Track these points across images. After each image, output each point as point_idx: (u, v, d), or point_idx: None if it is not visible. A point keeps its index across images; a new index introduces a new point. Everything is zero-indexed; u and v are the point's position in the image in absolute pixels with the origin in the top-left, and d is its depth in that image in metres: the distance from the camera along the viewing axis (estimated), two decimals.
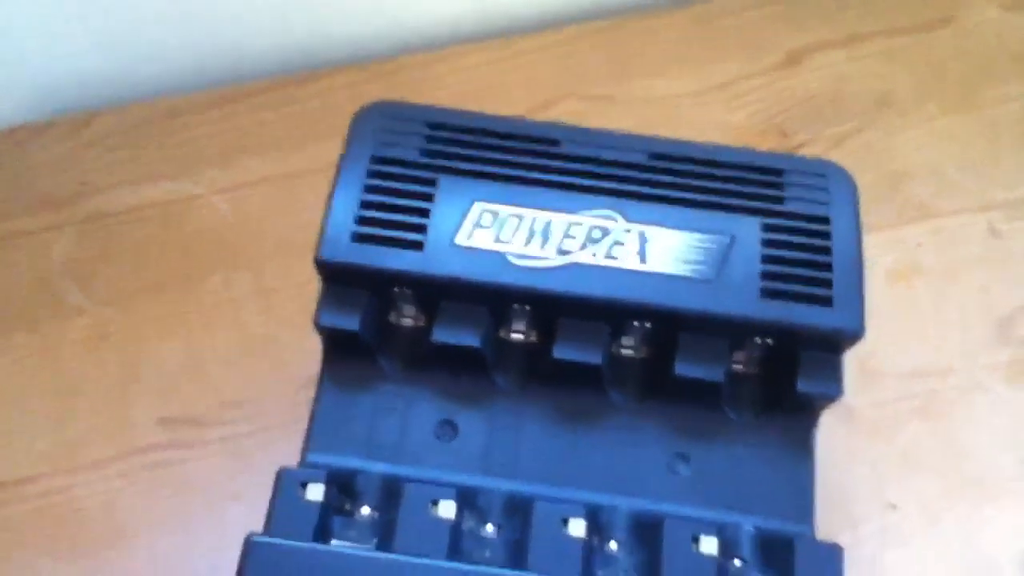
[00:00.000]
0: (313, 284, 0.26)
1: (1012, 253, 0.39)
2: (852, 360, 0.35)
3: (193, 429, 0.32)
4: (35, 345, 0.34)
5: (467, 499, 0.24)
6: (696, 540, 0.24)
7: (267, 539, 0.22)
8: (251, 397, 0.33)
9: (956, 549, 0.32)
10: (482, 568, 0.22)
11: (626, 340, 0.26)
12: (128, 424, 0.32)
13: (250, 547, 0.22)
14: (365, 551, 0.23)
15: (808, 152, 0.42)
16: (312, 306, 0.26)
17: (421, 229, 0.25)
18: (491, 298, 0.25)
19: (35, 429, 0.32)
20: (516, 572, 0.22)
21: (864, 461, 0.34)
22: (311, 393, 0.26)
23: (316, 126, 0.40)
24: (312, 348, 0.27)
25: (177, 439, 0.32)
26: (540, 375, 0.26)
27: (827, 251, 0.25)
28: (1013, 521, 0.33)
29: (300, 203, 0.37)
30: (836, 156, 0.42)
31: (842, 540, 0.31)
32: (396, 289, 0.25)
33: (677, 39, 0.46)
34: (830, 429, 0.34)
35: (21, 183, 0.38)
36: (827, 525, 0.31)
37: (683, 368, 0.25)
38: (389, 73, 0.42)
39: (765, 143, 0.43)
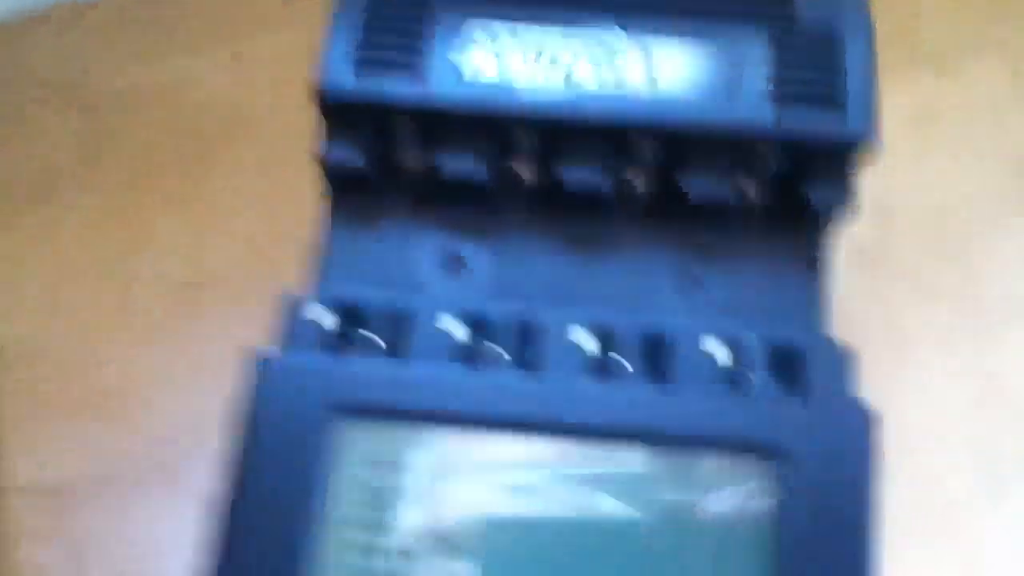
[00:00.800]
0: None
1: None
2: (869, 204, 0.36)
3: (199, 294, 0.32)
4: (39, 226, 0.34)
5: (475, 323, 0.24)
6: (704, 345, 0.23)
7: (274, 353, 0.22)
8: (258, 264, 0.33)
9: (973, 376, 0.32)
10: (490, 372, 0.23)
11: (633, 162, 0.25)
12: (135, 294, 0.32)
13: (256, 361, 0.22)
14: (374, 361, 0.23)
15: None
16: (311, 175, 0.26)
17: (418, 58, 0.24)
18: (495, 125, 0.25)
19: (41, 302, 0.32)
20: (522, 372, 0.23)
21: (878, 303, 0.33)
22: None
23: None
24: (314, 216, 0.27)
25: (184, 303, 0.32)
26: (547, 204, 0.26)
27: (839, 58, 0.25)
28: None
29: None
30: None
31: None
32: (398, 123, 0.25)
33: None
34: (844, 269, 0.34)
35: (23, 73, 0.37)
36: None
37: (693, 187, 0.25)
38: None
39: None
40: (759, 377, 0.24)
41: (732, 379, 0.23)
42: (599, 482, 0.22)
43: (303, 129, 0.35)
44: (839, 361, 0.23)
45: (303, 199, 0.34)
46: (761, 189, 0.26)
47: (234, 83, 0.37)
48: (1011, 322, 0.33)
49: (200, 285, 0.32)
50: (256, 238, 0.33)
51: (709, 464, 0.22)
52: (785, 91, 0.24)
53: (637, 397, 0.22)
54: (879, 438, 0.22)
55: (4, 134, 0.35)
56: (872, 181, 0.36)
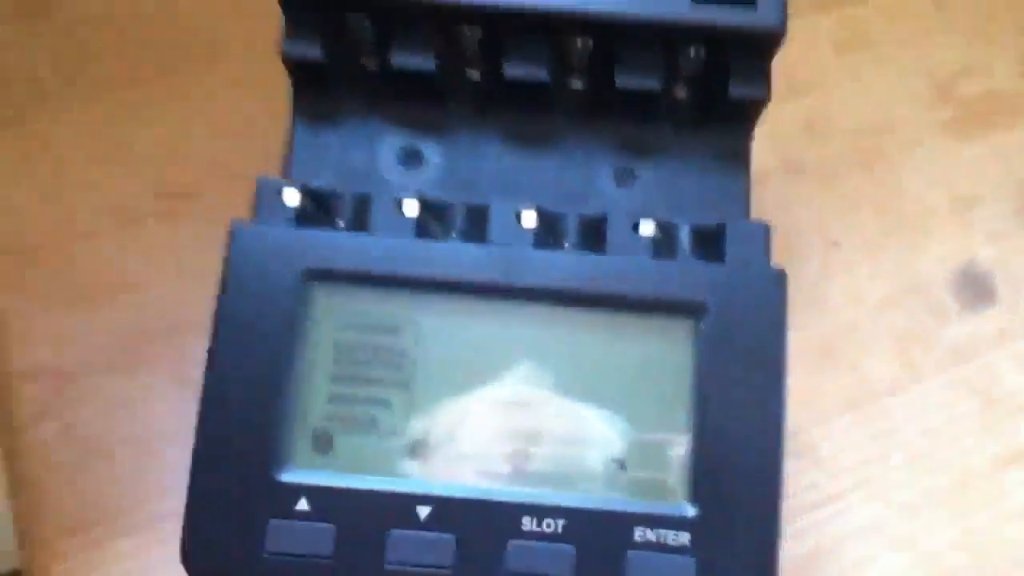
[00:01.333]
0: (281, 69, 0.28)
1: (954, 23, 0.41)
2: (801, 121, 0.38)
3: (184, 200, 0.34)
4: (24, 137, 0.36)
5: (431, 210, 0.27)
6: (636, 226, 0.26)
7: (249, 225, 0.25)
8: (237, 170, 0.35)
9: (892, 274, 0.35)
10: (443, 242, 0.25)
11: (570, 58, 0.28)
12: (122, 198, 0.34)
13: (233, 232, 0.24)
14: (341, 233, 0.25)
15: None
16: (281, 86, 0.28)
17: None
18: (441, 19, 0.27)
19: (31, 205, 0.34)
20: (475, 245, 0.25)
21: (811, 207, 0.36)
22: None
23: None
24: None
25: (169, 209, 0.34)
26: (493, 102, 0.28)
27: None
28: (942, 250, 0.35)
29: None
30: None
31: (788, 272, 0.34)
32: (352, 19, 0.27)
33: None
34: (779, 182, 0.37)
35: None
36: (774, 260, 0.34)
37: (623, 79, 0.27)
38: None
39: None
40: (684, 249, 0.26)
41: (659, 251, 0.26)
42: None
43: (270, 45, 0.37)
44: (754, 235, 0.26)
45: (273, 110, 0.37)
46: (686, 86, 0.28)
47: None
48: (926, 227, 0.36)
49: (183, 193, 0.34)
50: (232, 148, 0.35)
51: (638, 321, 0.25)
52: None
53: (574, 262, 0.25)
54: (785, 296, 0.25)
55: None
56: (807, 101, 0.39)
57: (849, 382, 0.33)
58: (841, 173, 0.37)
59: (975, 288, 0.35)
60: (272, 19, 0.29)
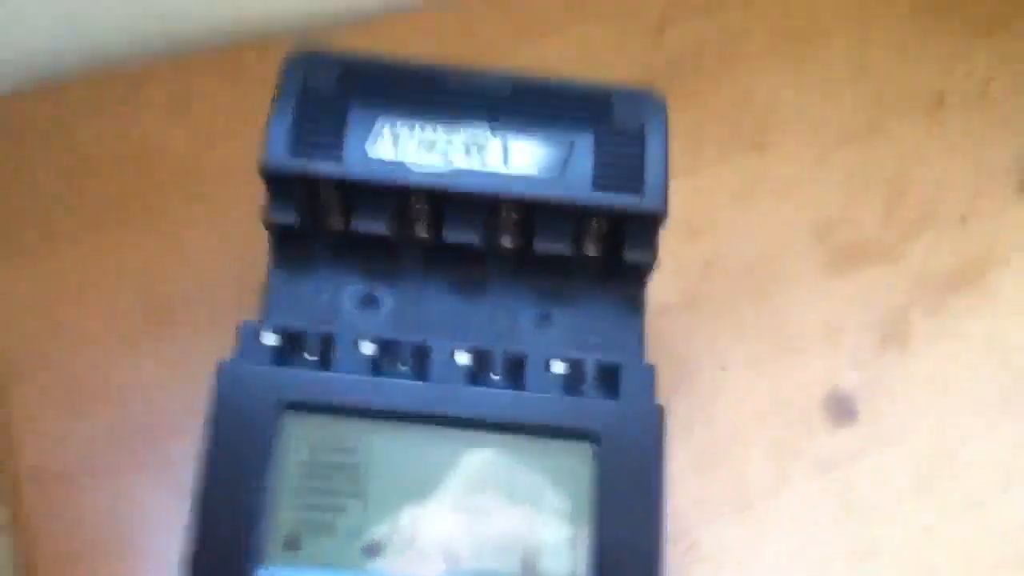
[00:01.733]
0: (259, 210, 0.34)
1: (831, 176, 0.49)
2: (700, 259, 0.45)
3: (168, 319, 0.40)
4: (29, 259, 0.41)
5: (384, 348, 0.33)
6: (549, 365, 0.32)
7: (233, 363, 0.30)
8: (215, 295, 0.41)
9: (770, 392, 0.41)
10: (396, 379, 0.31)
11: (500, 225, 0.34)
12: (113, 315, 0.40)
13: (220, 369, 0.30)
14: (309, 371, 0.31)
15: (671, 100, 0.51)
16: (258, 226, 0.35)
17: (339, 145, 0.33)
18: (394, 196, 0.33)
19: (42, 318, 0.40)
20: (418, 382, 0.31)
21: (703, 334, 0.43)
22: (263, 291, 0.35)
23: (255, 86, 0.48)
24: (261, 258, 0.35)
25: (156, 324, 0.40)
26: (438, 257, 0.35)
27: (641, 155, 0.34)
28: (817, 374, 0.42)
29: (248, 148, 0.45)
30: (694, 103, 0.51)
31: (681, 393, 0.41)
32: (323, 193, 0.34)
33: (558, 11, 0.54)
34: (678, 313, 0.44)
35: (11, 138, 0.45)
36: (671, 384, 0.41)
37: (540, 244, 0.34)
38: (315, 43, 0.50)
39: None
40: (588, 386, 0.33)
41: (568, 387, 0.32)
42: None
43: (243, 188, 0.43)
44: (643, 375, 0.32)
45: (245, 244, 0.43)
46: (594, 249, 0.35)
47: (185, 151, 0.45)
48: (803, 348, 0.43)
49: (167, 311, 0.40)
50: (211, 272, 0.41)
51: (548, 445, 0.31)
52: (602, 177, 0.33)
53: (497, 397, 0.31)
54: (663, 426, 0.31)
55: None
56: (706, 243, 0.46)
57: (732, 486, 0.39)
58: (732, 305, 0.44)
59: (840, 408, 0.41)
60: (246, 168, 0.36)
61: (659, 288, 0.38)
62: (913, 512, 0.39)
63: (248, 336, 0.32)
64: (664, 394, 0.33)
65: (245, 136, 0.46)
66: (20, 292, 0.40)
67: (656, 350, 0.37)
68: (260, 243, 0.35)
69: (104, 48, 0.49)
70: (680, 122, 0.40)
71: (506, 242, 0.35)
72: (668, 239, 0.35)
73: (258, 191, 0.35)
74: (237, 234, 0.42)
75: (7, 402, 0.38)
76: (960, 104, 0.52)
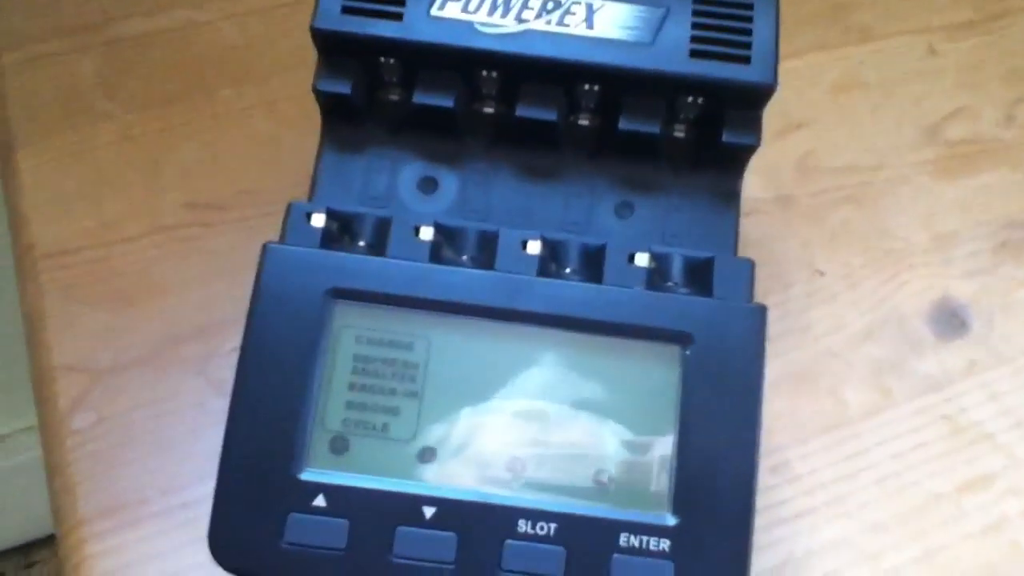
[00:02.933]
0: (311, 96, 0.30)
1: (944, 70, 0.44)
2: (792, 158, 0.41)
3: (213, 212, 0.37)
4: (71, 146, 0.38)
5: (445, 234, 0.29)
6: (632, 257, 0.28)
7: (280, 245, 0.27)
8: (260, 187, 0.38)
9: (873, 305, 0.37)
10: (457, 267, 0.28)
11: (577, 102, 0.30)
12: (157, 208, 0.37)
13: (265, 251, 0.27)
14: (363, 256, 0.28)
15: None
16: (309, 113, 0.31)
17: (399, 2, 0.29)
18: (461, 62, 0.29)
19: (74, 212, 0.37)
20: (483, 271, 0.27)
21: (798, 239, 0.39)
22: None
23: None
24: (311, 149, 0.32)
25: (200, 219, 0.37)
26: (506, 137, 0.31)
27: (748, 19, 0.29)
28: (921, 284, 0.38)
29: (298, 26, 0.41)
30: None
31: (774, 299, 0.37)
32: (381, 60, 0.30)
33: None
34: (769, 214, 0.39)
35: (49, 12, 0.42)
36: (762, 287, 0.37)
37: (625, 123, 0.30)
38: None
39: None
40: (676, 282, 0.29)
41: (653, 283, 0.28)
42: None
43: (293, 71, 0.40)
44: (739, 271, 0.28)
45: (294, 132, 0.39)
46: (684, 130, 0.31)
47: (231, 28, 0.42)
48: (906, 264, 0.38)
49: (212, 204, 0.37)
50: (258, 165, 0.38)
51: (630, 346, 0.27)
52: (702, 44, 0.29)
53: (574, 291, 0.27)
54: (764, 329, 0.27)
55: (37, 70, 0.40)
56: (801, 139, 0.41)
57: (826, 406, 0.35)
58: (829, 208, 0.39)
59: (950, 320, 0.37)
60: (300, 51, 0.32)
61: (748, 185, 0.33)
62: None
63: (296, 217, 0.28)
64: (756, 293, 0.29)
65: (296, 14, 0.42)
66: (63, 186, 0.37)
67: (743, 252, 0.33)
68: (311, 131, 0.32)
69: None
70: None
71: (585, 120, 0.31)
72: None
73: (311, 75, 0.31)
74: (289, 121, 0.39)
75: (37, 290, 0.36)
76: None
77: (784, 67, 0.42)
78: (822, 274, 0.38)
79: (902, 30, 0.45)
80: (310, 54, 0.30)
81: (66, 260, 0.36)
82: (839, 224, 0.39)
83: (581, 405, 0.27)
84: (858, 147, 0.41)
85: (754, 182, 0.39)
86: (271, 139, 0.39)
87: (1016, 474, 0.34)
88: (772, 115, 0.31)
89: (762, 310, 0.27)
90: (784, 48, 0.43)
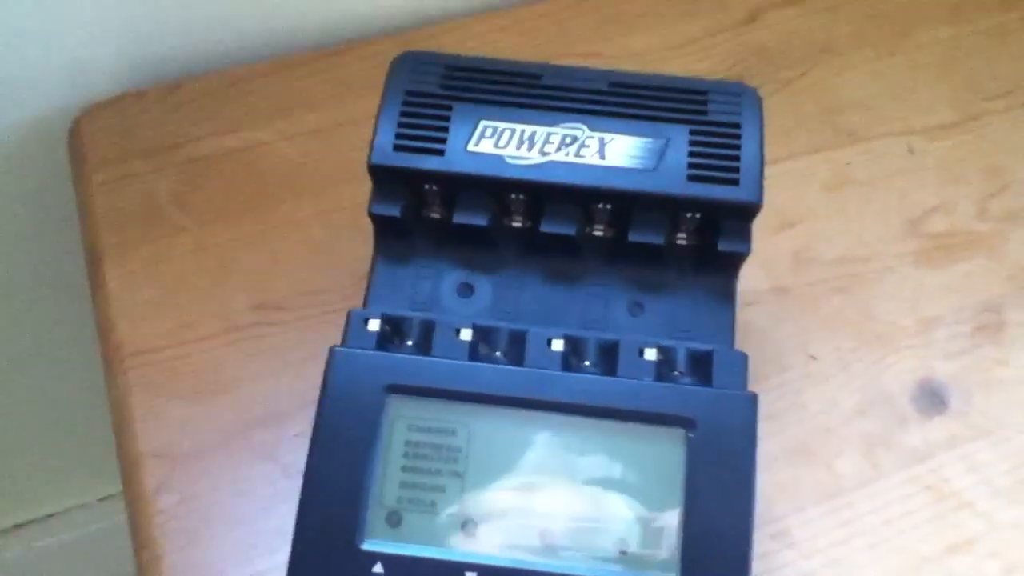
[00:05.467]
0: (360, 207, 0.36)
1: (926, 168, 0.49)
2: (788, 252, 0.46)
3: (277, 312, 0.42)
4: (151, 256, 0.44)
5: (481, 334, 0.34)
6: (642, 351, 0.33)
7: (343, 348, 0.32)
8: (319, 288, 0.43)
9: (863, 385, 0.41)
10: (492, 365, 0.32)
11: (594, 218, 0.35)
12: (227, 310, 0.42)
13: (332, 354, 0.32)
14: (412, 356, 0.33)
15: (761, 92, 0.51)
16: (359, 222, 0.36)
17: (441, 141, 0.35)
18: (493, 189, 0.35)
19: (156, 315, 0.42)
20: (515, 367, 0.32)
21: (794, 326, 0.43)
22: (364, 284, 0.36)
23: (355, 87, 0.50)
24: (362, 253, 0.37)
25: (266, 319, 0.42)
26: (533, 248, 0.36)
27: (737, 147, 0.35)
28: (907, 365, 0.42)
29: (348, 145, 0.47)
30: (784, 95, 0.52)
31: (773, 381, 0.42)
32: (426, 186, 0.35)
33: (651, 4, 0.55)
34: (768, 303, 0.44)
35: (130, 138, 0.48)
36: (762, 371, 0.41)
37: (634, 236, 0.35)
38: (411, 42, 0.52)
39: None
40: (680, 373, 0.33)
41: (660, 374, 0.33)
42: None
43: (345, 184, 0.45)
44: (735, 363, 0.33)
45: (346, 239, 0.45)
46: (686, 239, 0.36)
47: (289, 147, 0.48)
48: (893, 347, 0.43)
49: (275, 305, 0.42)
50: (317, 267, 0.43)
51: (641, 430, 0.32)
52: (698, 169, 0.34)
53: (592, 383, 0.32)
54: (756, 414, 0.31)
55: (121, 189, 0.46)
56: (796, 233, 0.46)
57: (822, 478, 0.39)
58: (822, 296, 0.44)
59: (931, 398, 0.41)
60: (349, 166, 0.37)
61: (748, 277, 0.38)
62: (1008, 508, 0.39)
63: (356, 323, 0.33)
64: (754, 383, 0.34)
65: (346, 135, 0.48)
66: (145, 292, 0.43)
67: (745, 339, 0.37)
68: (361, 238, 0.37)
69: (210, 51, 0.52)
70: (771, 112, 0.40)
71: (600, 231, 0.36)
72: (757, 229, 0.36)
73: (360, 188, 0.37)
74: (340, 229, 0.44)
75: (125, 385, 0.41)
76: None
77: (782, 168, 0.48)
78: (815, 359, 0.42)
79: (887, 132, 0.50)
80: (358, 168, 0.35)
81: (149, 358, 0.41)
82: (831, 312, 0.44)
83: (601, 482, 0.31)
84: (848, 240, 0.46)
85: (754, 274, 0.44)
86: (325, 245, 0.44)
87: (996, 537, 0.38)
88: (771, 213, 0.36)
89: (754, 398, 0.32)
90: (780, 151, 0.49)
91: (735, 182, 0.34)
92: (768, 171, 0.35)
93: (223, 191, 0.46)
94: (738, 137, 0.35)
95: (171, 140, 0.47)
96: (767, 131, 0.36)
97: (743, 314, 0.41)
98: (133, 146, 0.47)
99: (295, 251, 0.44)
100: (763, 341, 0.43)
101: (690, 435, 0.31)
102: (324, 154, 0.47)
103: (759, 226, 0.36)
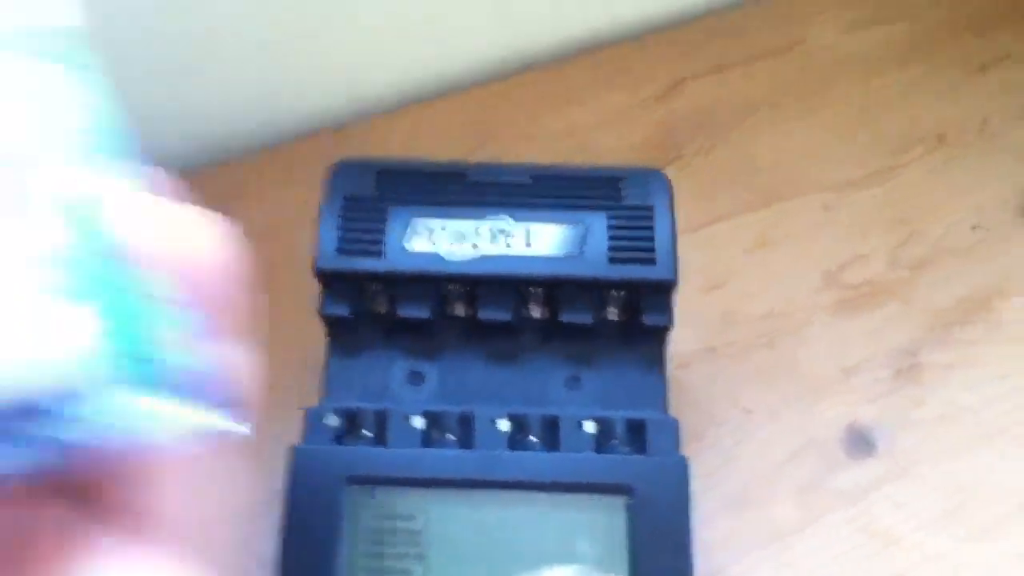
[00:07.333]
0: (306, 302, 0.38)
1: (839, 222, 0.52)
2: (716, 312, 0.49)
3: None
4: None
5: (432, 419, 0.36)
6: (581, 424, 0.36)
7: (302, 446, 0.34)
8: (277, 383, 0.45)
9: (793, 433, 0.44)
10: (444, 450, 0.35)
11: (528, 301, 0.38)
12: None
13: (293, 452, 0.34)
14: (368, 447, 0.35)
15: (686, 159, 0.55)
16: (309, 318, 0.39)
17: (380, 243, 0.37)
18: (432, 283, 0.37)
19: None
20: (463, 450, 0.35)
21: (724, 382, 0.46)
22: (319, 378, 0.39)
23: (297, 184, 0.52)
24: (315, 347, 0.40)
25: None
26: (474, 333, 0.39)
27: (651, 229, 0.38)
28: (833, 412, 0.45)
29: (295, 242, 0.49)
30: (707, 160, 0.55)
31: (707, 439, 0.44)
32: (369, 286, 0.38)
33: (578, 81, 0.59)
34: (700, 363, 0.47)
35: None
36: (696, 429, 0.44)
37: (565, 316, 0.38)
38: (349, 136, 0.55)
39: (652, 156, 0.56)
40: (618, 442, 0.36)
41: (600, 444, 0.36)
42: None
43: (293, 280, 0.48)
44: (670, 429, 0.36)
45: (298, 334, 0.47)
46: (614, 315, 0.39)
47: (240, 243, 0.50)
48: (819, 396, 0.46)
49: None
50: (276, 362, 0.45)
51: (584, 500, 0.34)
52: (617, 252, 0.37)
53: (535, 460, 0.35)
54: (688, 476, 0.34)
55: None
56: (718, 295, 0.49)
57: (760, 525, 0.42)
58: (751, 351, 0.47)
59: (859, 442, 0.44)
60: (297, 262, 0.40)
61: (680, 340, 0.41)
62: (934, 540, 0.42)
63: (314, 420, 0.36)
64: (691, 440, 0.37)
65: (293, 232, 0.50)
66: None
67: (681, 399, 0.40)
68: (313, 333, 0.39)
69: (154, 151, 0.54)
70: (694, 179, 0.43)
71: (536, 313, 0.39)
72: (687, 292, 0.39)
73: (309, 283, 0.39)
74: (294, 324, 0.46)
75: None
76: (961, 141, 0.55)
77: (708, 231, 0.52)
78: (749, 412, 0.45)
79: (802, 190, 0.53)
80: (304, 265, 0.38)
81: None
82: (761, 365, 0.47)
83: (553, 554, 0.34)
84: (773, 296, 0.49)
85: (686, 336, 0.47)
86: (278, 341, 0.46)
87: (925, 568, 0.41)
88: (699, 276, 0.39)
89: (684, 461, 0.35)
90: (705, 215, 0.52)
91: (652, 261, 0.37)
92: (695, 234, 0.38)
93: None
94: (651, 219, 0.38)
95: None
96: (691, 196, 0.39)
97: (679, 374, 0.44)
98: None
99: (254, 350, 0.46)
100: (698, 399, 0.46)
101: (629, 502, 0.34)
102: (272, 252, 0.50)
103: (688, 289, 0.39)
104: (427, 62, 0.60)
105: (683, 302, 0.39)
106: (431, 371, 0.38)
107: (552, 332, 0.39)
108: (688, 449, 0.36)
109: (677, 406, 0.38)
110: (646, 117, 0.58)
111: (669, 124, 0.57)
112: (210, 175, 0.53)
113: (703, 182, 0.53)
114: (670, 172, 0.40)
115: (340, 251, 0.37)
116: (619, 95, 0.58)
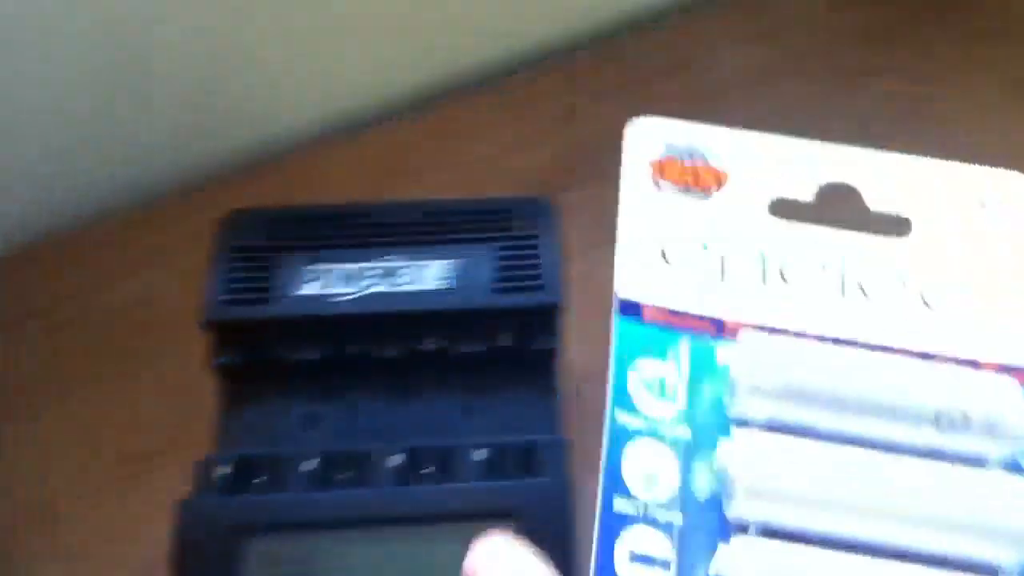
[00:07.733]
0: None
1: None
2: None
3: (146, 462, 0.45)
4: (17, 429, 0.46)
5: (327, 461, 0.37)
6: (471, 453, 0.36)
7: (190, 500, 0.35)
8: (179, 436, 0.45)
9: None
10: (335, 491, 0.35)
11: (420, 337, 0.39)
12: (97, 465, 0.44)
13: (180, 507, 0.34)
14: (260, 496, 0.35)
15: (584, 179, 0.56)
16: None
17: (266, 290, 0.38)
18: (321, 326, 0.38)
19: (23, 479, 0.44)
20: (359, 489, 0.35)
21: None
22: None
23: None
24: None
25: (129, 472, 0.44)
26: (369, 372, 0.39)
27: (536, 256, 0.39)
28: None
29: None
30: (604, 182, 0.56)
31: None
32: (260, 333, 0.38)
33: (484, 113, 0.60)
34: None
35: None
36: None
37: (457, 348, 0.38)
38: (261, 178, 0.55)
39: (557, 178, 0.57)
40: (511, 465, 0.36)
41: (492, 471, 0.36)
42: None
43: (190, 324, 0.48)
44: (557, 451, 0.36)
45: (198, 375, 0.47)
46: (506, 342, 0.39)
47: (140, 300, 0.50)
48: None
49: (142, 456, 0.45)
50: (176, 413, 0.46)
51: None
52: (504, 281, 0.38)
53: (424, 493, 0.35)
54: (572, 501, 0.35)
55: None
56: None
57: None
58: None
59: None
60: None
61: (588, 356, 0.41)
62: None
63: (203, 472, 0.36)
64: (598, 459, 0.37)
65: (185, 286, 0.51)
66: (27, 453, 0.45)
67: (588, 418, 0.40)
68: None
69: (55, 212, 0.55)
70: (597, 199, 0.44)
71: (429, 346, 0.39)
72: (589, 309, 0.39)
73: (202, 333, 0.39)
74: (190, 374, 0.47)
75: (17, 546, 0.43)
76: None
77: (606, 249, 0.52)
78: None
79: None
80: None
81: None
82: None
83: None
84: None
85: (593, 351, 0.48)
86: (186, 393, 0.47)
87: None
88: (597, 295, 0.39)
89: (566, 482, 0.35)
90: (605, 234, 0.53)
91: (539, 287, 0.38)
92: (594, 253, 0.38)
93: (82, 352, 0.48)
94: (536, 247, 0.39)
95: (23, 304, 0.50)
96: (592, 218, 0.39)
97: (587, 390, 0.44)
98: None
99: (153, 403, 0.47)
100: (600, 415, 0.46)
101: (515, 527, 0.34)
102: (168, 307, 0.50)
103: (592, 305, 0.39)
104: (337, 102, 0.61)
105: (585, 319, 0.39)
106: (327, 412, 0.39)
107: (446, 364, 0.39)
108: (592, 468, 0.37)
109: (582, 426, 0.39)
110: (550, 141, 0.59)
111: (570, 149, 0.58)
112: (119, 229, 0.53)
113: (605, 204, 0.54)
114: (576, 194, 0.41)
115: (228, 301, 0.38)
116: (522, 123, 0.60)
